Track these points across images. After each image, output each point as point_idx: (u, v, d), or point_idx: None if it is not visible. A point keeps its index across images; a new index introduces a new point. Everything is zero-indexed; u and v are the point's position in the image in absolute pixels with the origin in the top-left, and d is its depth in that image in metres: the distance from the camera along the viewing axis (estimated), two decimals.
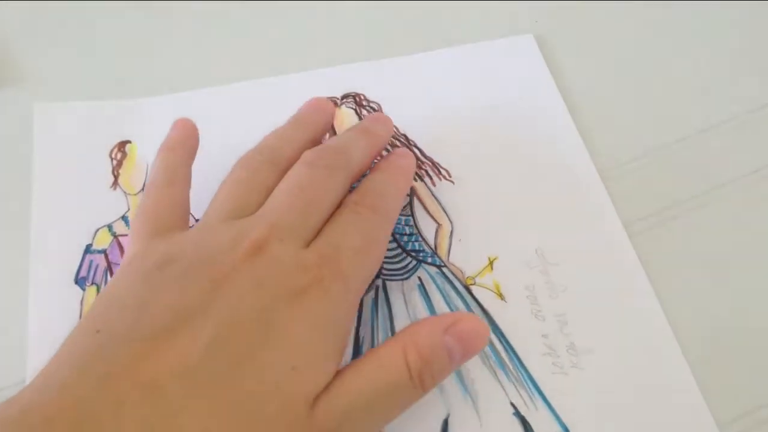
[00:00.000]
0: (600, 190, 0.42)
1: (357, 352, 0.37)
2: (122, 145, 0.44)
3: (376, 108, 0.46)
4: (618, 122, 0.46)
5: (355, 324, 0.38)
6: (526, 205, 0.42)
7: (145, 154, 0.44)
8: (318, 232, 0.33)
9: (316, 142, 0.40)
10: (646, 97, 0.47)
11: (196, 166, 0.39)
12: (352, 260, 0.32)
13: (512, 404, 0.36)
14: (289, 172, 0.35)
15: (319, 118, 0.41)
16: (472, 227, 0.41)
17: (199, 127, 0.40)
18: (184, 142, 0.39)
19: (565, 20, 0.51)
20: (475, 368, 0.37)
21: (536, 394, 0.36)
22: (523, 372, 0.36)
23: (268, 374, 0.27)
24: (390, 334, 0.38)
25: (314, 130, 0.40)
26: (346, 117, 0.45)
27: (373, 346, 0.37)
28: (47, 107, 0.46)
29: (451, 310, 0.38)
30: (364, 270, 0.34)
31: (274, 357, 0.28)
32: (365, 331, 0.38)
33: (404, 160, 0.40)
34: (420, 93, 0.46)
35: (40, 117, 0.45)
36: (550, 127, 0.45)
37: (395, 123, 0.45)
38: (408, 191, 0.41)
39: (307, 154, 0.36)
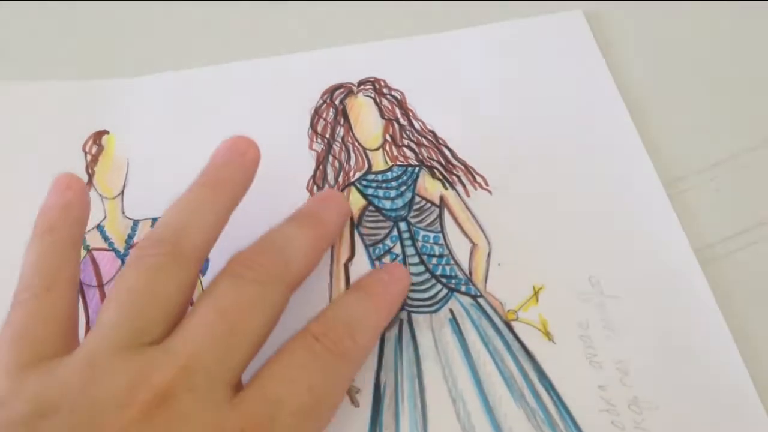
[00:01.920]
0: (665, 206, 0.35)
1: (378, 401, 0.31)
2: (98, 136, 0.37)
3: (399, 97, 0.39)
4: (687, 122, 0.39)
5: None
6: (579, 223, 0.35)
7: (126, 147, 0.37)
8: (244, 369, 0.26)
9: (233, 207, 0.31)
10: (722, 91, 0.40)
11: (184, 166, 0.32)
12: (292, 423, 0.25)
13: None
14: (210, 286, 0.28)
15: (235, 173, 0.32)
16: (514, 248, 0.35)
17: (192, 117, 0.33)
18: (67, 215, 0.30)
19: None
20: (520, 427, 0.31)
21: None
22: None
23: None
24: (417, 380, 0.32)
25: (231, 192, 0.31)
26: (362, 107, 0.38)
27: (397, 396, 0.31)
28: (7, 86, 0.38)
29: (490, 351, 0.32)
30: None
31: None
32: (388, 377, 0.32)
33: (397, 285, 0.32)
34: (451, 81, 0.39)
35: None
36: (604, 126, 0.38)
37: (421, 115, 0.38)
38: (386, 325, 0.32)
39: (234, 261, 0.29)
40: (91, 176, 0.36)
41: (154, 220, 0.35)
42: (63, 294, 0.28)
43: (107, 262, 0.34)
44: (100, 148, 0.37)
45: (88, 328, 0.33)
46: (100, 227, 0.35)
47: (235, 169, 0.32)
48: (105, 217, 0.35)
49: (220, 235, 0.30)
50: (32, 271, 0.28)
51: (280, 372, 0.26)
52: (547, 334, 0.33)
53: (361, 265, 0.34)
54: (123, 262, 0.34)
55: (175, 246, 0.28)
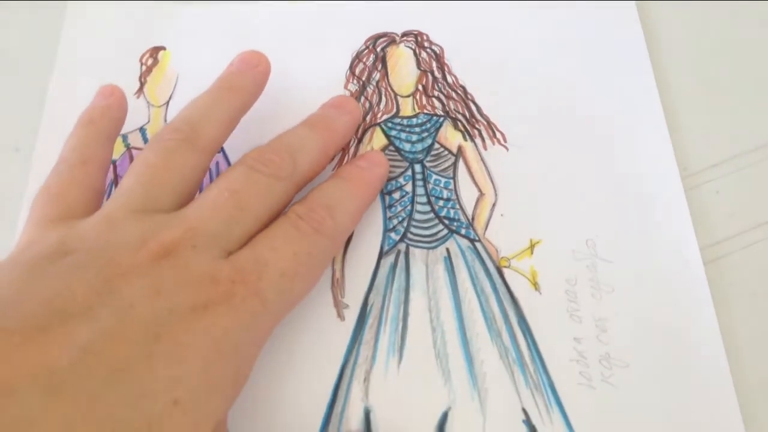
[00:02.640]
0: (677, 192, 0.36)
1: (363, 318, 0.33)
2: (155, 51, 0.41)
3: (438, 52, 0.40)
4: (715, 118, 0.39)
5: (261, 346, 0.32)
6: (587, 189, 0.36)
7: (177, 64, 0.40)
8: (246, 242, 0.29)
9: (244, 111, 0.35)
10: (753, 94, 0.40)
11: None
12: (275, 282, 0.28)
13: (524, 410, 0.31)
14: (224, 173, 0.31)
15: (247, 82, 0.35)
16: (519, 203, 0.36)
17: (242, 45, 0.36)
18: (107, 114, 0.34)
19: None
20: (491, 362, 0.32)
21: (554, 405, 0.31)
22: (543, 376, 0.32)
23: (143, 404, 0.23)
24: (403, 307, 0.33)
25: (243, 96, 0.35)
26: (401, 57, 0.40)
27: (381, 317, 0.33)
28: (81, 3, 0.42)
29: (477, 291, 0.34)
30: (289, 295, 0.29)
31: (155, 383, 0.24)
32: (375, 299, 0.34)
33: (374, 170, 0.35)
34: (490, 44, 0.41)
35: (72, 12, 0.42)
36: (633, 109, 0.38)
37: (455, 70, 0.40)
38: (367, 207, 0.35)
39: (248, 156, 0.31)
40: (142, 84, 0.40)
41: None
42: (95, 169, 0.32)
43: None
44: (155, 61, 0.40)
45: None
46: (142, 130, 0.38)
47: (248, 77, 0.35)
48: (148, 121, 0.38)
49: (230, 133, 0.34)
50: (70, 148, 0.33)
51: (268, 241, 0.29)
52: (535, 285, 0.34)
53: None
54: None
55: (190, 133, 0.31)
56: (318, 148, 0.33)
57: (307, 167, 0.32)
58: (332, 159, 0.36)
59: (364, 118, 0.38)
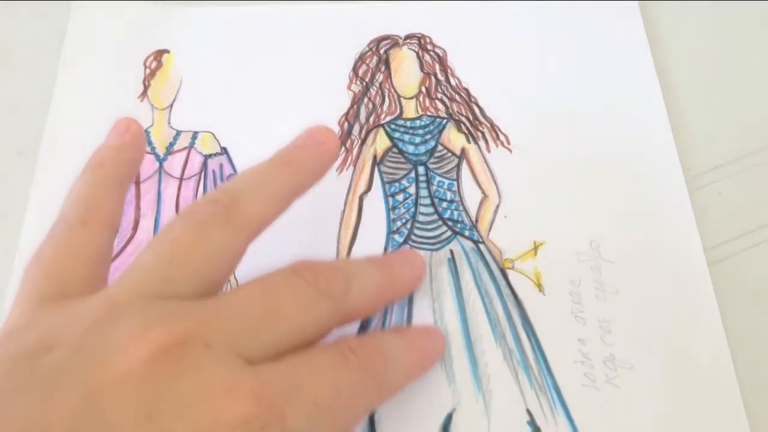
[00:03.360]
0: (681, 193, 0.36)
1: (366, 323, 0.33)
2: (159, 54, 0.41)
3: (441, 54, 0.40)
4: (718, 119, 0.39)
5: None
6: (591, 191, 0.36)
7: (181, 67, 0.40)
8: (273, 358, 0.24)
9: (300, 191, 0.30)
10: (756, 95, 0.40)
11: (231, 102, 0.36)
12: (305, 409, 0.23)
13: (528, 411, 0.31)
14: (264, 275, 0.26)
15: (308, 158, 0.30)
16: (523, 204, 0.36)
17: (245, 47, 0.36)
18: (120, 155, 0.30)
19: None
20: (495, 364, 0.32)
21: (558, 406, 0.31)
22: (548, 378, 0.32)
23: None
24: (406, 312, 0.33)
25: (301, 175, 0.30)
26: (404, 59, 0.40)
27: (385, 317, 0.33)
28: (86, 4, 0.42)
29: (480, 292, 0.34)
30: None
31: None
32: None
33: (433, 342, 0.31)
34: (493, 46, 0.41)
35: (76, 13, 0.42)
36: (637, 110, 0.38)
37: (458, 73, 0.40)
38: (417, 378, 0.31)
39: (298, 262, 0.27)
40: (146, 87, 0.40)
41: (195, 133, 0.38)
42: (98, 231, 0.27)
43: (146, 163, 0.37)
44: (159, 65, 0.40)
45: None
46: (146, 132, 0.38)
47: (311, 154, 0.30)
48: (152, 124, 0.39)
49: (279, 215, 0.29)
50: (72, 203, 0.28)
51: (307, 362, 0.24)
52: (539, 286, 0.34)
53: (375, 200, 0.36)
54: (161, 165, 0.37)
55: (229, 206, 0.27)
56: (375, 285, 0.29)
57: (360, 300, 0.28)
58: (385, 306, 0.33)
59: (367, 119, 0.38)
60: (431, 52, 0.41)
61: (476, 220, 0.36)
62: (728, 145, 0.38)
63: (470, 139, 0.38)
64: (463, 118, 0.38)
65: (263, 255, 0.34)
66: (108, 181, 0.29)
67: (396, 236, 0.35)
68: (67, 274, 0.26)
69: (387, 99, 0.39)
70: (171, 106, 0.39)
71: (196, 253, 0.25)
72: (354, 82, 0.40)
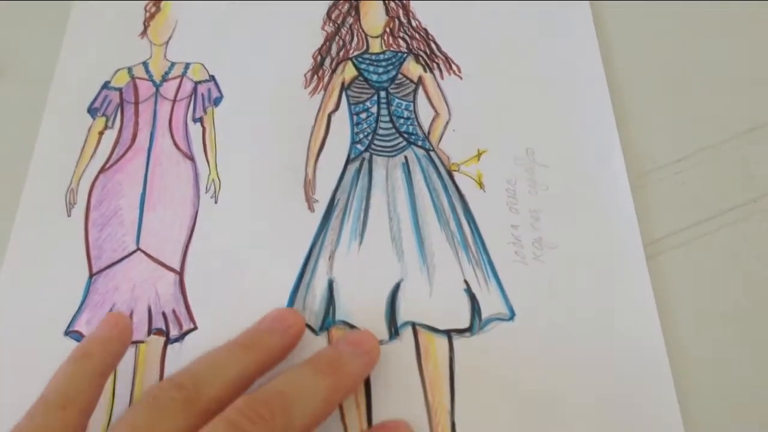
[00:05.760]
0: (605, 107, 0.41)
1: (330, 210, 0.38)
2: (158, 2, 0.47)
3: (405, 2, 0.46)
4: (655, 116, 0.42)
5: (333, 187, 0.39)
6: (530, 109, 0.41)
7: (177, 11, 0.46)
8: None
9: (264, 371, 0.31)
10: (697, 92, 0.42)
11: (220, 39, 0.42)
12: None
13: (465, 281, 0.36)
14: (204, 428, 0.27)
15: (273, 343, 0.32)
16: (470, 120, 0.41)
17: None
18: (106, 347, 0.31)
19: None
20: (438, 244, 0.37)
21: (491, 277, 0.36)
22: (483, 255, 0.37)
23: None
24: (365, 201, 0.39)
25: (264, 358, 0.31)
26: (372, 5, 0.46)
27: (346, 209, 0.39)
28: None
29: (429, 189, 0.39)
30: None
31: None
32: (341, 196, 0.39)
33: (357, 361, 0.32)
34: (454, 5, 0.46)
35: None
36: (574, 55, 0.43)
37: (419, 16, 0.45)
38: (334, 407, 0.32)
39: (235, 408, 0.28)
40: (146, 27, 0.46)
41: (187, 64, 0.44)
42: (74, 414, 0.28)
43: (144, 89, 0.43)
44: (158, 9, 0.46)
45: (121, 129, 0.42)
46: (145, 63, 0.44)
47: (275, 338, 0.32)
48: (151, 57, 0.44)
49: (240, 395, 0.29)
50: (54, 388, 0.29)
51: None
52: (480, 184, 0.39)
53: (342, 119, 0.42)
54: (157, 89, 0.43)
55: (192, 393, 0.28)
56: (322, 398, 0.29)
57: (304, 423, 0.28)
58: (336, 408, 0.33)
59: (338, 53, 0.44)
60: (396, 0, 0.46)
61: (428, 133, 0.41)
62: (672, 141, 0.41)
63: (427, 69, 0.43)
64: (421, 52, 0.44)
65: (243, 164, 0.40)
66: (91, 372, 0.30)
67: (358, 145, 0.41)
68: None
69: (355, 37, 0.45)
70: (167, 42, 0.45)
71: None
72: (327, 23, 0.45)
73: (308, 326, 0.35)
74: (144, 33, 0.45)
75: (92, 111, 0.42)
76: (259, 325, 0.33)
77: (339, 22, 0.45)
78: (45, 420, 0.28)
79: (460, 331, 0.35)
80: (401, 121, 0.41)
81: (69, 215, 0.39)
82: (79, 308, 0.36)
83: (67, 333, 0.36)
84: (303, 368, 0.30)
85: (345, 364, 0.31)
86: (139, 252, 0.38)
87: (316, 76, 0.43)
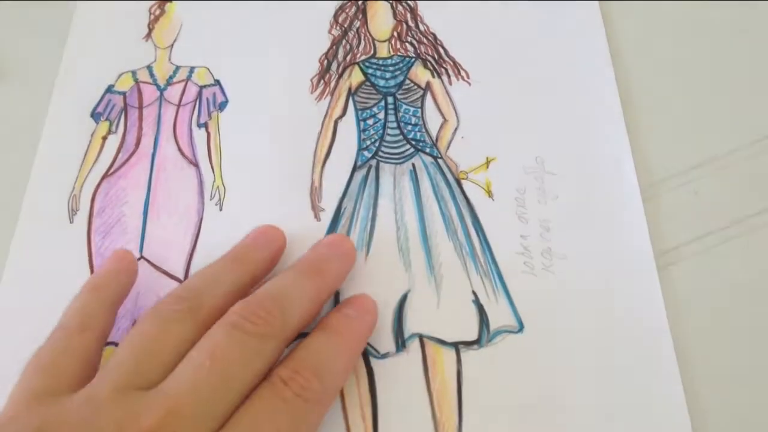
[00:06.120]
0: (618, 120, 0.40)
1: (336, 218, 0.38)
2: (162, 4, 0.46)
3: (412, 5, 0.45)
4: (667, 124, 0.41)
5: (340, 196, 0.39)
6: (540, 116, 0.41)
7: (182, 14, 0.46)
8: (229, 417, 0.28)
9: (255, 283, 0.33)
10: (709, 100, 0.42)
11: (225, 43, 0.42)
12: None
13: (474, 293, 0.36)
14: (206, 335, 0.29)
15: (259, 255, 0.34)
16: (479, 127, 0.41)
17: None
18: (114, 279, 0.33)
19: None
20: (446, 254, 0.37)
21: (500, 288, 0.36)
22: (492, 265, 0.36)
23: None
24: (372, 210, 0.38)
25: (253, 270, 0.34)
26: (380, 8, 0.45)
27: (353, 218, 0.38)
28: None
29: (437, 197, 0.38)
30: None
31: None
32: (348, 204, 0.38)
33: (364, 318, 0.33)
34: (462, 6, 0.45)
35: None
36: (586, 64, 0.42)
37: (427, 20, 0.45)
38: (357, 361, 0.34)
39: (233, 312, 0.30)
40: (150, 30, 0.45)
41: (192, 68, 0.43)
42: (93, 338, 0.31)
43: (149, 93, 0.42)
44: (162, 12, 0.46)
45: (125, 134, 0.41)
46: (149, 67, 0.43)
47: (262, 251, 0.35)
48: (155, 60, 0.44)
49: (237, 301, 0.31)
50: (72, 314, 0.32)
51: (249, 420, 0.28)
52: (489, 192, 0.38)
53: (349, 124, 0.41)
54: (162, 94, 0.42)
55: (193, 303, 0.30)
56: (309, 297, 0.32)
57: (298, 319, 0.31)
58: (323, 307, 0.34)
59: (344, 57, 0.44)
60: (404, 3, 0.46)
61: (436, 140, 0.40)
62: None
63: (435, 74, 0.43)
64: (429, 57, 0.43)
65: (248, 171, 0.40)
66: (104, 300, 0.32)
67: (365, 152, 0.40)
68: (62, 373, 0.29)
69: (363, 41, 0.44)
70: (171, 46, 0.44)
71: (164, 347, 0.29)
72: (334, 27, 0.45)
73: None
74: (148, 36, 0.45)
75: (95, 115, 0.42)
76: (245, 241, 0.35)
77: (346, 25, 0.45)
78: (66, 342, 0.30)
79: (468, 344, 0.34)
80: (409, 127, 0.41)
81: (71, 222, 0.38)
82: None
83: None
84: (289, 272, 0.33)
85: (326, 263, 0.34)
86: (142, 260, 0.37)
87: (322, 81, 0.43)
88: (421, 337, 0.35)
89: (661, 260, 0.36)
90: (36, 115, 0.42)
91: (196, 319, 0.30)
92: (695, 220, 0.38)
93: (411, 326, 0.35)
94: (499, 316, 0.35)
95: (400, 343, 0.35)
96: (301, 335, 0.32)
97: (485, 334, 0.34)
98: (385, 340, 0.35)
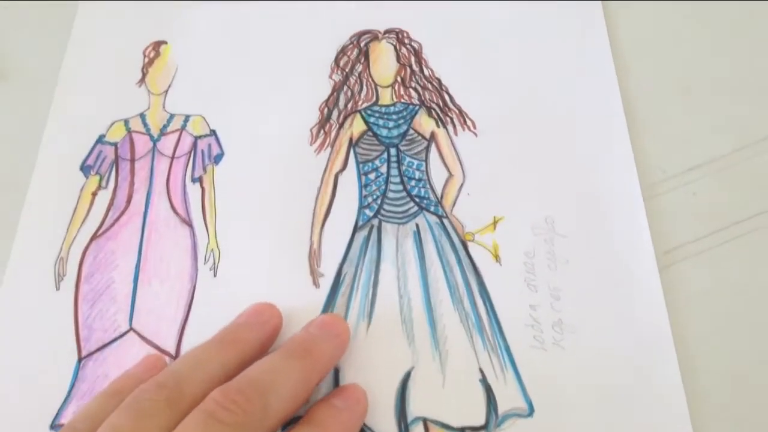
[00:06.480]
0: (631, 178, 0.38)
1: (336, 286, 0.36)
2: (157, 45, 0.44)
3: (417, 48, 0.43)
4: (666, 125, 0.41)
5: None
6: (548, 172, 0.39)
7: (177, 57, 0.44)
8: None
9: (242, 367, 0.30)
10: (709, 102, 0.42)
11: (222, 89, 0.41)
12: None
13: (481, 370, 0.34)
14: (181, 425, 0.27)
15: (252, 336, 0.32)
16: (485, 183, 0.39)
17: (237, 40, 0.41)
18: (136, 385, 0.30)
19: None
20: (452, 327, 0.35)
21: (508, 366, 0.34)
22: (500, 340, 0.34)
23: None
24: (374, 276, 0.36)
25: (243, 352, 0.31)
26: (383, 52, 0.43)
27: (353, 285, 0.36)
28: (91, 3, 0.46)
29: (442, 262, 0.36)
30: None
31: None
32: (348, 269, 0.37)
33: (351, 411, 0.31)
34: (466, 40, 0.44)
35: (83, 10, 0.45)
36: (595, 105, 0.41)
37: (432, 64, 0.43)
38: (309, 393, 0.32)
39: (211, 398, 0.28)
40: (144, 75, 0.43)
41: (187, 116, 0.41)
42: None
43: (141, 144, 0.41)
44: (157, 54, 0.44)
45: (116, 190, 0.39)
46: (142, 115, 0.42)
47: (255, 332, 0.33)
48: (149, 108, 0.42)
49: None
50: (84, 417, 0.30)
51: None
52: (496, 257, 0.37)
53: (349, 178, 0.39)
54: (155, 145, 0.40)
55: (174, 392, 0.28)
56: (296, 381, 0.30)
57: (283, 405, 0.29)
58: (313, 391, 0.32)
59: (345, 105, 0.41)
60: (408, 46, 0.44)
61: (441, 197, 0.38)
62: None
63: (440, 123, 0.41)
64: (434, 105, 0.41)
65: (244, 231, 0.38)
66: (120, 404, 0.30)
67: (367, 210, 0.38)
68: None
69: (365, 87, 0.42)
70: (166, 92, 0.42)
71: None
72: (335, 71, 0.43)
73: None
74: (142, 81, 0.43)
75: (85, 169, 0.40)
76: (238, 320, 0.33)
77: (347, 69, 0.43)
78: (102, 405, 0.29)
79: (476, 429, 0.33)
80: (412, 182, 0.39)
81: (58, 288, 0.37)
82: (66, 398, 0.34)
83: (53, 426, 0.33)
84: (276, 355, 0.31)
85: (316, 345, 0.31)
86: (131, 333, 0.35)
87: (322, 131, 0.41)
88: (425, 421, 0.33)
89: (662, 260, 0.36)
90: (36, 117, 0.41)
91: (175, 409, 0.28)
92: (695, 222, 0.38)
93: (414, 408, 0.33)
94: (507, 397, 0.33)
95: (403, 427, 0.33)
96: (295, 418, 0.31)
97: (493, 418, 0.33)
98: (386, 423, 0.33)
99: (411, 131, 0.41)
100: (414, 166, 0.39)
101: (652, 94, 0.42)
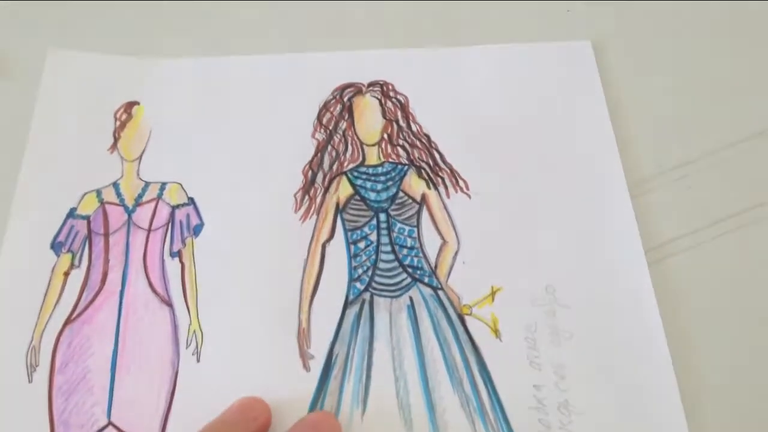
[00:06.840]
0: (635, 242, 0.37)
1: (328, 368, 0.34)
2: (129, 107, 0.42)
3: (403, 101, 0.41)
4: (662, 127, 0.41)
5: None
6: (548, 236, 0.37)
7: (151, 118, 0.41)
8: None
9: None
10: (703, 97, 0.42)
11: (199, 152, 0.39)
12: None
13: None
14: None
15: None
16: (481, 251, 0.37)
17: (213, 98, 0.40)
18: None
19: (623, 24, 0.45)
20: (453, 410, 0.33)
21: None
22: (503, 425, 0.32)
23: None
24: (367, 357, 0.34)
25: None
26: (367, 107, 0.41)
27: (346, 368, 0.34)
28: (61, 54, 0.43)
29: (439, 339, 0.34)
30: None
31: None
32: (340, 350, 0.34)
33: None
34: (454, 90, 0.42)
35: (51, 62, 0.43)
36: (592, 159, 0.39)
37: (420, 119, 0.41)
38: None
39: None
40: (116, 140, 0.41)
41: (163, 184, 0.39)
42: None
43: (116, 216, 0.38)
44: (129, 117, 0.41)
45: (89, 268, 0.37)
46: (115, 185, 0.39)
47: (239, 429, 0.31)
48: (122, 176, 0.39)
49: None
50: None
51: None
52: (496, 332, 0.35)
53: (337, 248, 0.37)
54: (130, 217, 0.38)
55: None
56: None
57: None
58: None
59: (330, 167, 0.39)
60: (393, 99, 0.42)
61: (435, 266, 0.36)
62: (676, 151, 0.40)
63: (430, 185, 0.39)
64: (424, 164, 0.39)
65: (228, 310, 0.36)
66: None
67: (357, 284, 0.36)
68: None
69: (350, 146, 0.40)
70: (140, 157, 0.40)
71: None
72: (318, 130, 0.41)
73: None
74: (114, 147, 0.40)
75: (56, 246, 0.37)
76: (224, 417, 0.31)
77: (331, 127, 0.41)
78: None
79: None
80: (405, 251, 0.37)
81: (30, 381, 0.34)
82: None
83: None
84: None
85: None
86: (110, 428, 0.33)
87: (307, 196, 0.39)
88: None
89: (652, 255, 0.36)
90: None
91: None
92: (688, 215, 0.38)
93: None
94: None
95: None
96: None
97: None
98: None
99: (401, 194, 0.39)
100: (405, 233, 0.37)
101: (647, 88, 0.42)
